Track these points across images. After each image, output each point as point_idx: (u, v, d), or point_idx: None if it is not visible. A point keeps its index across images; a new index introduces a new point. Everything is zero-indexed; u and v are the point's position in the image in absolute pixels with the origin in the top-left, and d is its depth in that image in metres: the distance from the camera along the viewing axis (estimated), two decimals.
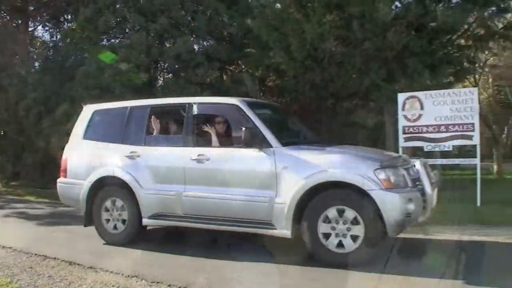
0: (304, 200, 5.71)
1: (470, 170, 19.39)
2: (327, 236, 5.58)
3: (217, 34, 16.89)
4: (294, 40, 12.72)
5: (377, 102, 13.81)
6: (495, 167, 20.44)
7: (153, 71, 16.54)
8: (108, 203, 7.13)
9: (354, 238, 5.45)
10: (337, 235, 5.54)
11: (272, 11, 13.80)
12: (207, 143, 6.76)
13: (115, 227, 7.09)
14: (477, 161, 10.66)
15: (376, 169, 5.53)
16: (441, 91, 10.83)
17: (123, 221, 7.01)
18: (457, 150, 24.12)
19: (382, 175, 5.49)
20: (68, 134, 8.16)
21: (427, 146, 10.74)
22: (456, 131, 10.52)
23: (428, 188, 5.72)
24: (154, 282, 5.09)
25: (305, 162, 5.85)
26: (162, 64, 17.18)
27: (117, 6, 16.05)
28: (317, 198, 5.66)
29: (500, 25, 14.37)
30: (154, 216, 6.73)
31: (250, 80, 15.95)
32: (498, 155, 20.63)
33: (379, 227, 5.41)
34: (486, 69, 20.83)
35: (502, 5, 13.25)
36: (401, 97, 10.98)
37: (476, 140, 10.51)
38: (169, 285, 4.97)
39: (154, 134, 7.14)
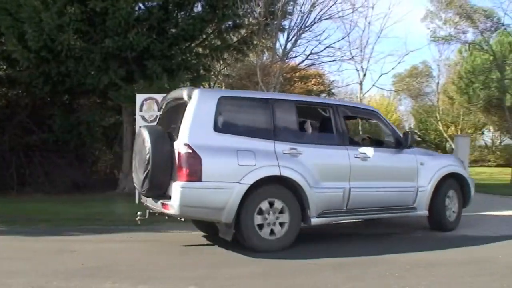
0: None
1: None
2: (447, 208, 7.79)
3: None
4: (30, 28, 11.84)
5: (115, 101, 13.68)
6: None
7: None
8: (264, 205, 6.07)
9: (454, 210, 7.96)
10: (449, 208, 7.83)
11: None
12: (359, 142, 7.82)
13: (271, 232, 6.11)
14: None
15: None
16: None
17: (281, 225, 6.17)
18: None
19: None
20: None
21: None
22: None
23: None
24: None
25: (433, 161, 7.81)
26: None
27: None
28: (445, 184, 7.72)
29: (235, 39, 15.65)
30: (321, 215, 6.49)
31: None
32: None
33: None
34: (220, 78, 22.29)
35: (237, 21, 14.46)
36: (139, 97, 11.07)
37: None
38: None
39: (308, 131, 6.97)
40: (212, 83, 22.35)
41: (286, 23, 14.04)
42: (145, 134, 6.07)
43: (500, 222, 8.93)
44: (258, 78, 12.65)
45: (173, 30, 13.35)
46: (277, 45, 14.16)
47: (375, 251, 6.36)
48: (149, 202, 6.47)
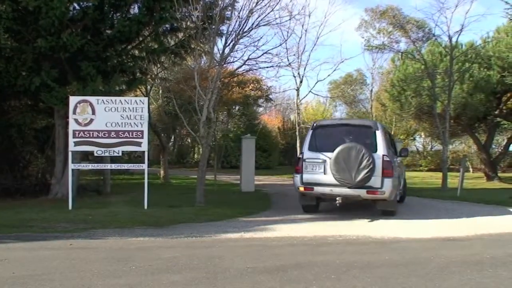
0: None
1: (139, 175, 20.30)
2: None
3: None
4: None
5: (47, 103, 13.24)
6: (162, 172, 21.86)
7: None
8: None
9: None
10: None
11: None
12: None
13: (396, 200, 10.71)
14: (145, 166, 11.25)
15: None
16: (113, 98, 11.05)
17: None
18: (127, 156, 25.10)
19: None
20: None
21: (97, 151, 10.81)
22: (126, 137, 10.89)
23: None
24: None
25: (401, 163, 12.63)
26: None
27: None
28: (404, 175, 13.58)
29: (172, 42, 15.47)
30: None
31: None
32: (164, 161, 22.12)
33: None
34: (157, 81, 22.02)
35: (175, 24, 14.30)
36: (72, 100, 10.78)
37: (144, 147, 11.06)
38: None
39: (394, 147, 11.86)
40: (149, 87, 22.05)
41: (224, 28, 14.01)
42: (363, 149, 9.62)
43: (431, 224, 9.25)
44: (196, 83, 12.53)
45: (109, 32, 13.05)
46: (215, 49, 14.06)
47: (311, 254, 6.46)
48: (340, 191, 9.82)
